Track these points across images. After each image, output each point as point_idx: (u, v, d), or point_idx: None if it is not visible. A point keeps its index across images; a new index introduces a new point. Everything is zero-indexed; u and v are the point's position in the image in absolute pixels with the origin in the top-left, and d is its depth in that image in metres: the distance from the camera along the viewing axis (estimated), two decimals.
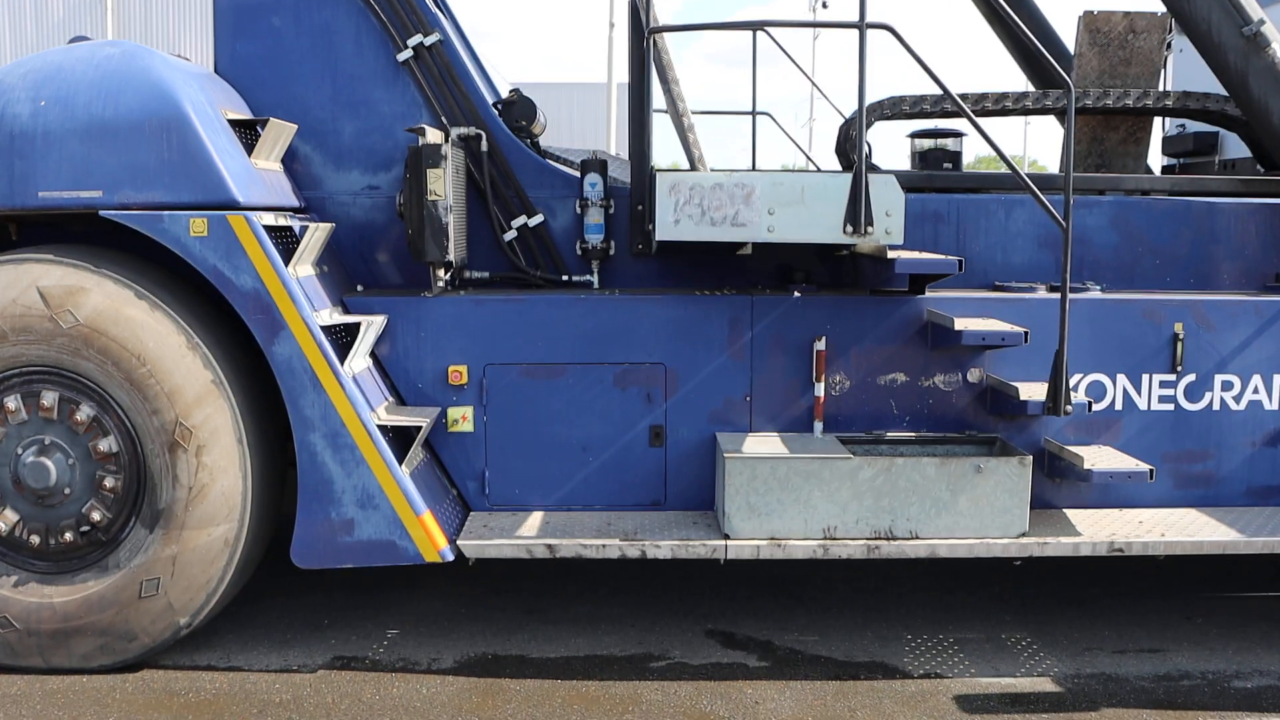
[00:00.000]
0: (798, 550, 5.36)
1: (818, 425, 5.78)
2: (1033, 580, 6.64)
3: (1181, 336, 5.88)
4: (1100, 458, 5.64)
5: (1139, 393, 5.94)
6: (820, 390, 5.75)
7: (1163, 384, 5.94)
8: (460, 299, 5.72)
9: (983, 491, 5.40)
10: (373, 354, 5.68)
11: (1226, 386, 5.97)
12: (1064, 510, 5.92)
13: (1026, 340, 5.38)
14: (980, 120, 5.47)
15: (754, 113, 8.42)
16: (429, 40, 5.95)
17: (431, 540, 5.30)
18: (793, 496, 5.36)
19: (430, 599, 6.26)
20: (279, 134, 5.69)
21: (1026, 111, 6.84)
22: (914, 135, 7.61)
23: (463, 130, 5.95)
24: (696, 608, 6.17)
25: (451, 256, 5.57)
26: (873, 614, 6.13)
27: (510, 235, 6.04)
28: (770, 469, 5.34)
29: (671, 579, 6.53)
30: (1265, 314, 5.94)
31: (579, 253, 6.05)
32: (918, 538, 5.40)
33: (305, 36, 5.95)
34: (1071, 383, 5.78)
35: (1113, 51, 6.79)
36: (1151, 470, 5.47)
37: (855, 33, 5.11)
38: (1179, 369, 5.91)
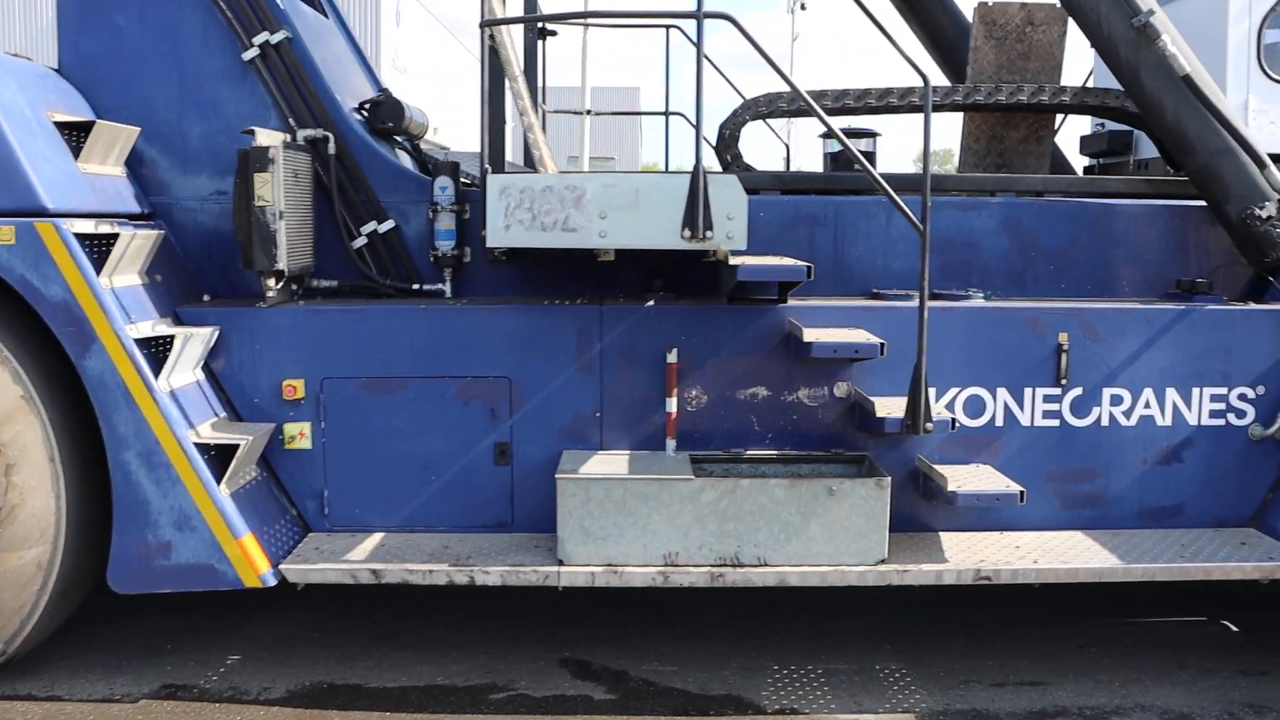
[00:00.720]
0: (636, 578, 5.06)
1: (670, 443, 5.47)
2: (923, 604, 6.29)
3: (1066, 347, 5.52)
4: (971, 478, 5.30)
5: (1021, 408, 5.58)
6: (672, 406, 5.44)
7: (1047, 398, 5.58)
8: (295, 310, 5.46)
9: (837, 515, 5.07)
10: (209, 368, 5.43)
11: (1116, 401, 5.60)
12: (940, 533, 5.58)
13: (883, 353, 5.05)
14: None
15: (666, 113, 8.13)
16: (275, 38, 5.69)
17: (251, 564, 5.05)
18: (630, 520, 5.05)
19: (282, 622, 6.00)
20: (112, 137, 5.45)
21: (892, 109, 6.47)
22: (825, 135, 7.29)
23: (309, 132, 5.69)
24: (557, 633, 5.88)
25: (283, 265, 5.31)
26: (743, 641, 5.81)
27: (359, 242, 5.77)
28: (605, 490, 5.04)
29: (540, 602, 6.23)
30: (1156, 323, 5.57)
31: (431, 260, 5.77)
32: (766, 565, 5.08)
33: (150, 34, 5.71)
34: (948, 398, 5.47)
35: (1010, 45, 6.42)
36: (1022, 492, 5.12)
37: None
38: (1064, 382, 5.55)
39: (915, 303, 5.56)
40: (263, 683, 5.31)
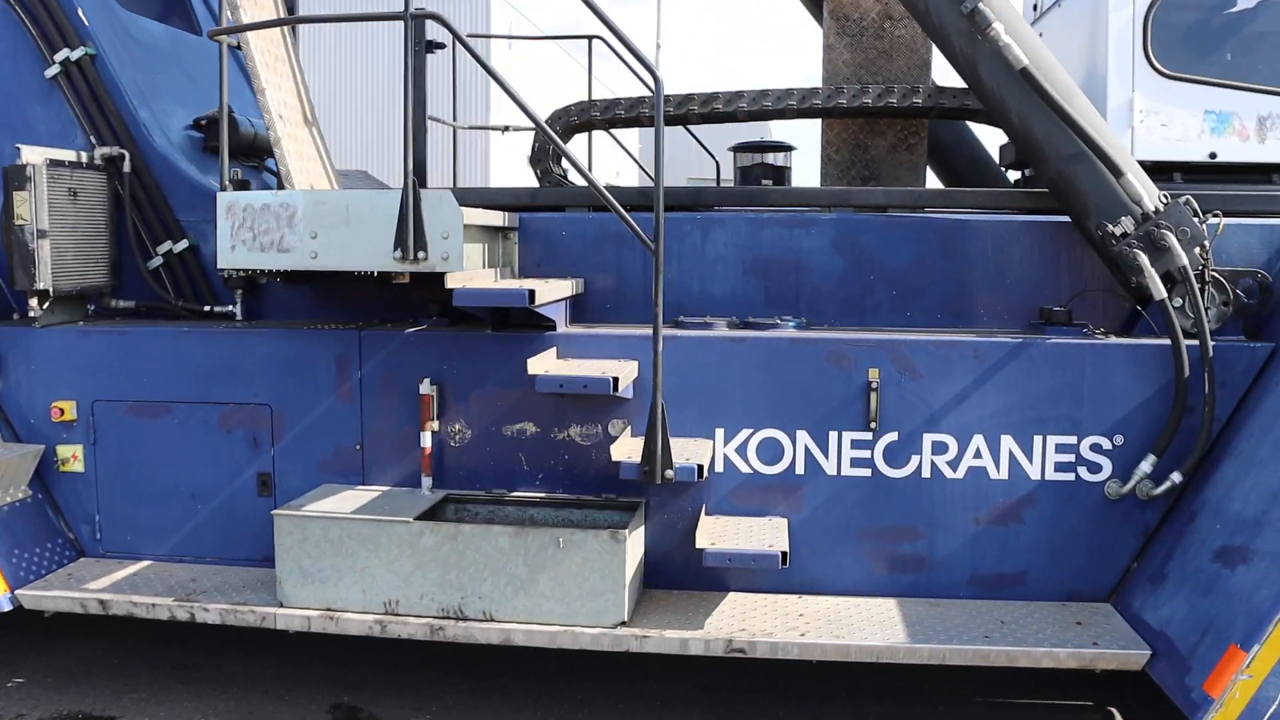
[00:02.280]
0: (352, 625, 4.67)
1: (425, 481, 5.05)
2: (760, 668, 5.59)
3: (876, 385, 4.79)
4: (745, 534, 4.66)
5: (825, 455, 4.88)
6: (427, 441, 5.02)
7: (855, 444, 4.86)
8: (66, 330, 5.35)
9: (568, 570, 4.54)
10: None
11: (939, 449, 4.82)
12: (731, 593, 4.94)
13: (614, 389, 4.48)
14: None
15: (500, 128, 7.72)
16: (75, 55, 5.61)
17: None
18: (349, 563, 4.67)
19: (90, 648, 5.88)
20: None
21: (787, 113, 5.78)
22: (735, 149, 6.72)
23: (105, 150, 5.58)
24: (349, 676, 5.52)
25: (45, 284, 5.20)
26: (538, 699, 5.30)
27: (155, 262, 5.61)
28: (322, 530, 4.68)
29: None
30: (987, 359, 4.76)
31: (224, 281, 5.56)
32: (492, 620, 4.60)
33: None
34: (738, 440, 4.86)
35: (868, 43, 5.66)
36: (784, 554, 4.45)
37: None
38: (874, 426, 4.81)
39: (714, 332, 4.99)
40: (21, 709, 5.20)
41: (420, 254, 4.44)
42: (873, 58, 5.65)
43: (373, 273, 4.56)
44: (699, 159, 8.77)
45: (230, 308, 5.54)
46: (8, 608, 4.99)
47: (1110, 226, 4.71)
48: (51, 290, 5.24)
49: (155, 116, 5.75)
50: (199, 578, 5.12)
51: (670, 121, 5.92)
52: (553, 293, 4.71)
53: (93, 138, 5.62)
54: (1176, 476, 4.62)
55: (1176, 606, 4.29)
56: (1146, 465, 4.65)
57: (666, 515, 4.95)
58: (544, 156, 5.86)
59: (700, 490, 4.91)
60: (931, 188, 5.95)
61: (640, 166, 8.59)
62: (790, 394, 4.85)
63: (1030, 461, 4.78)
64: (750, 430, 4.89)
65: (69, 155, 5.43)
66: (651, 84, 4.35)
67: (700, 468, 4.46)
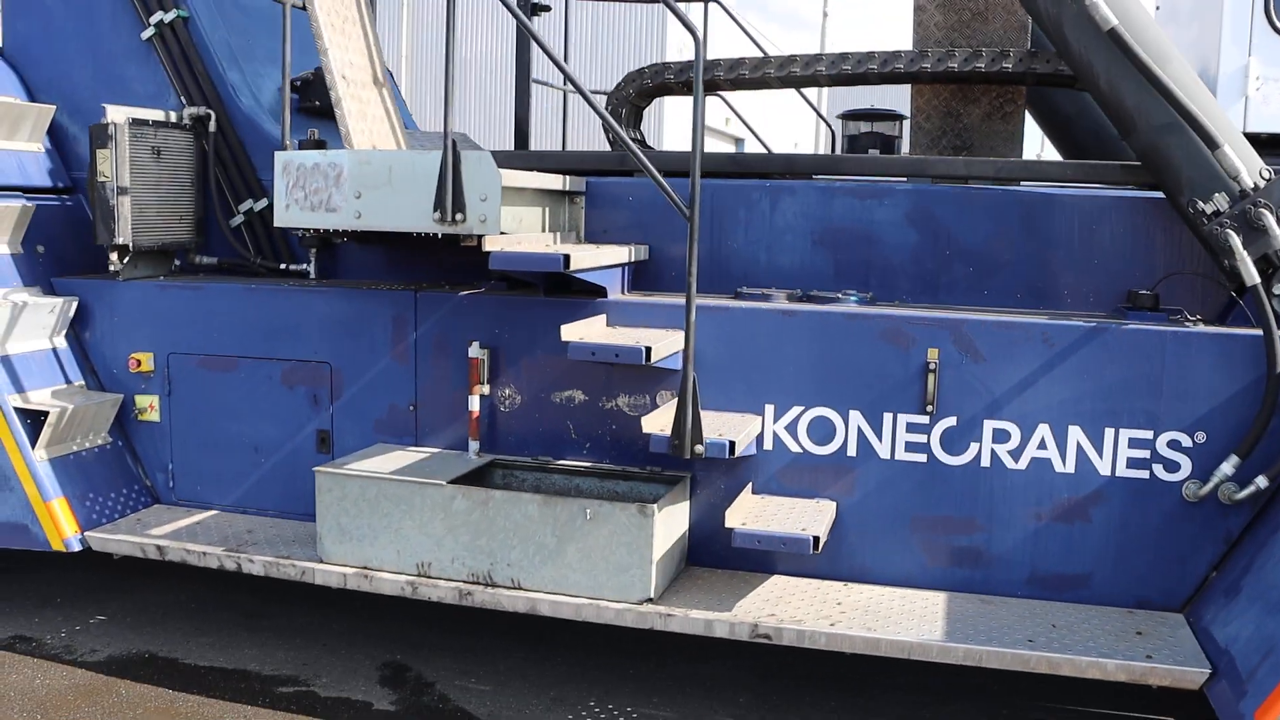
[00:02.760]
0: (385, 585, 4.69)
1: (473, 445, 5.01)
2: (817, 655, 5.37)
3: (934, 366, 4.51)
4: (786, 515, 4.46)
5: (879, 437, 4.62)
6: (475, 404, 4.98)
7: (911, 427, 4.59)
8: (145, 284, 5.53)
9: (595, 543, 4.44)
10: (79, 337, 5.62)
11: (1000, 437, 4.50)
12: (775, 576, 4.75)
13: (647, 359, 4.33)
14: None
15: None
16: (168, 17, 5.78)
17: (57, 528, 5.17)
18: (384, 523, 4.68)
19: (178, 591, 6.10)
20: (19, 115, 5.77)
21: (853, 79, 5.46)
22: (844, 117, 6.45)
23: (192, 110, 5.74)
24: (409, 635, 5.55)
25: (125, 239, 5.38)
26: (586, 671, 5.23)
27: (236, 220, 5.76)
28: (360, 489, 4.70)
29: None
30: (1057, 343, 4.41)
31: (299, 240, 5.65)
32: (520, 588, 4.54)
33: (71, 14, 5.98)
34: (789, 418, 4.69)
35: (961, 4, 5.28)
36: (816, 539, 4.24)
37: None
38: (930, 409, 4.53)
39: (773, 304, 4.79)
40: (95, 645, 5.44)
41: (458, 215, 4.39)
42: (966, 20, 5.29)
43: (437, 235, 4.52)
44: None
45: (305, 266, 5.62)
46: (77, 548, 5.21)
47: (1201, 203, 4.28)
48: (131, 245, 5.42)
49: (246, 78, 5.87)
50: (255, 529, 5.23)
51: (751, 85, 5.70)
52: (596, 258, 4.59)
53: (183, 98, 5.79)
54: (1262, 481, 4.18)
55: (1244, 623, 3.89)
56: (1229, 467, 4.22)
57: (711, 491, 4.79)
58: (617, 119, 5.73)
59: (748, 467, 4.73)
60: (1016, 159, 5.55)
61: (750, 129, 8.34)
62: (844, 372, 4.61)
63: (1100, 456, 4.41)
64: (801, 408, 4.67)
65: (154, 115, 5.60)
66: (692, 45, 4.16)
67: (732, 444, 4.28)
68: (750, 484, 4.73)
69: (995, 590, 4.56)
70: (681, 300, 4.77)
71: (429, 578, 4.64)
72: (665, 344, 4.48)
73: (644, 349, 4.32)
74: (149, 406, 5.54)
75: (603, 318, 4.84)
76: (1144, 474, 4.38)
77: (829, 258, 5.05)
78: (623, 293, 5.03)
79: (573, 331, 4.48)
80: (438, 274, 5.51)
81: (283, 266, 5.68)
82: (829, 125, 8.28)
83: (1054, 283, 4.84)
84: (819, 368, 4.63)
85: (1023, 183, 4.95)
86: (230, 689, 4.99)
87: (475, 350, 4.94)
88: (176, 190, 5.66)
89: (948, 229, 4.92)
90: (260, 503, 5.42)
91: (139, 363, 5.47)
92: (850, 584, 4.68)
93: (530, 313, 4.95)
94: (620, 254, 4.92)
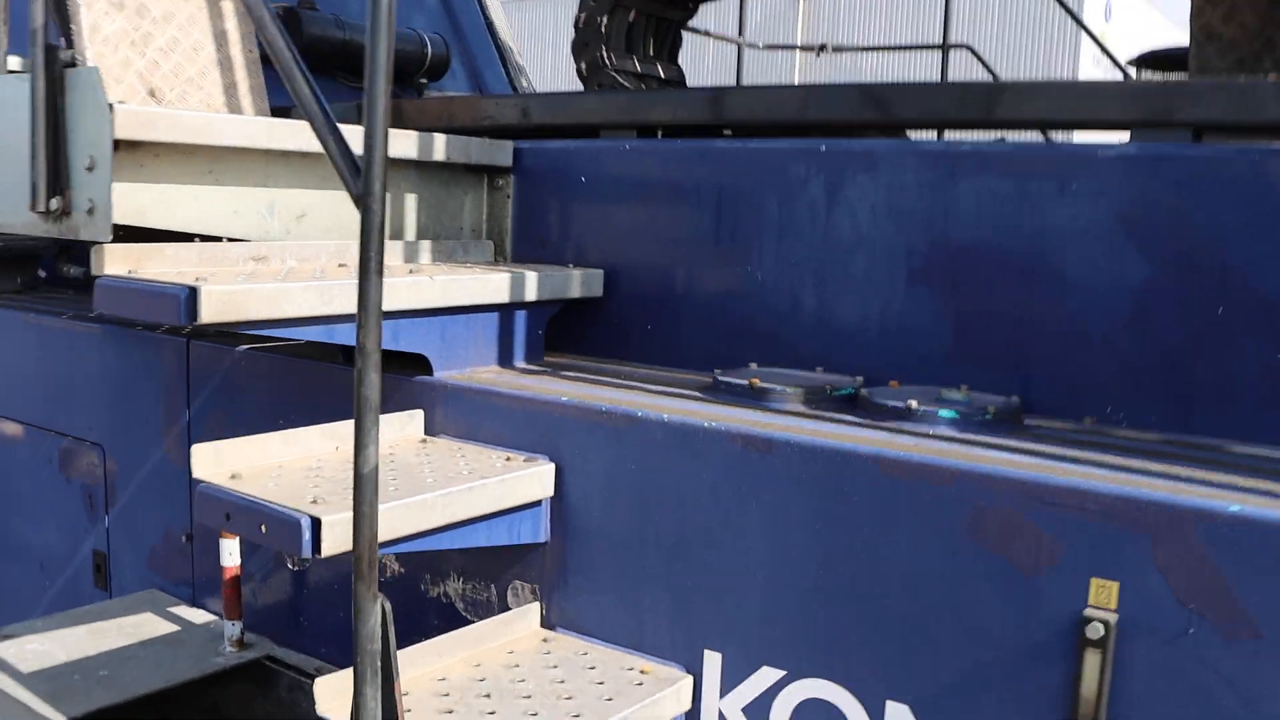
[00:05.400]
0: None
1: (230, 627, 2.69)
2: None
3: (1105, 630, 1.65)
4: None
5: None
6: (230, 557, 2.68)
7: None
8: None
9: None
10: None
11: None
12: None
13: (314, 541, 1.83)
14: None
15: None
16: None
17: None
18: None
19: None
20: None
21: None
22: (1136, 62, 3.69)
23: None
24: None
25: None
26: None
27: None
28: None
29: None
30: None
31: None
32: None
33: None
34: (748, 690, 2.03)
35: None
36: None
37: None
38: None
39: (702, 417, 2.16)
40: None
41: (53, 202, 2.13)
42: None
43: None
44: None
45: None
46: None
47: None
48: None
49: None
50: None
51: None
52: (330, 299, 2.13)
53: None
54: None
55: None
56: None
57: None
58: (593, 37, 3.10)
59: None
60: None
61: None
62: (877, 602, 1.85)
63: None
64: (779, 672, 1.96)
65: None
66: None
67: None
68: None
69: None
70: (549, 395, 2.23)
71: None
72: (498, 490, 1.97)
73: (303, 518, 1.82)
74: None
75: (418, 416, 2.37)
76: None
77: (944, 306, 2.24)
78: (521, 360, 2.54)
79: (202, 458, 2.07)
80: None
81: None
82: (1112, 58, 4.90)
83: None
84: (823, 585, 1.89)
85: None
86: None
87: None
88: None
89: (1222, 249, 1.95)
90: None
91: None
92: None
93: (318, 385, 2.57)
94: (486, 286, 2.41)
